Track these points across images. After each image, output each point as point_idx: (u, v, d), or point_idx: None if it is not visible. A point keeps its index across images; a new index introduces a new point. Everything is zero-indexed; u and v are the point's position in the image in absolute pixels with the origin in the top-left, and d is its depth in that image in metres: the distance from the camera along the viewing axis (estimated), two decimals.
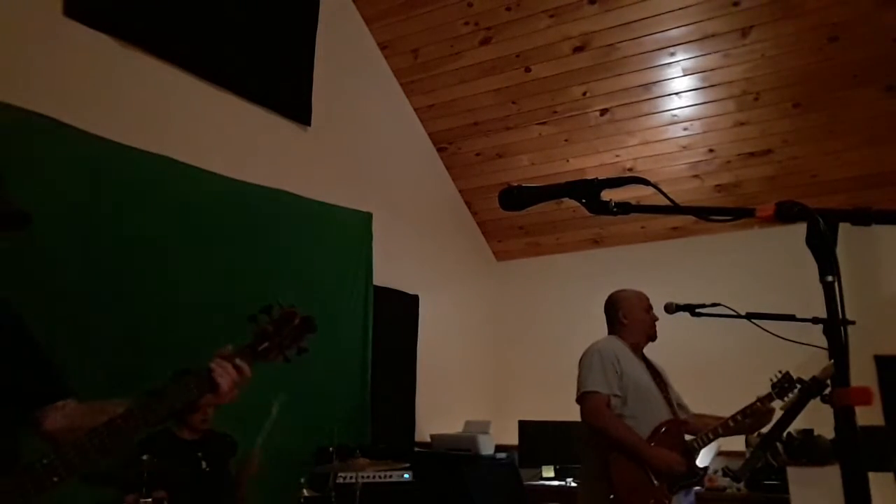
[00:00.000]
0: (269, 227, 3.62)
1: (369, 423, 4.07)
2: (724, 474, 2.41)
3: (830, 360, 0.84)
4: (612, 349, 2.69)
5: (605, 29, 4.11)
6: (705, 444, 2.59)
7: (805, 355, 1.71)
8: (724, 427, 2.55)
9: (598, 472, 2.55)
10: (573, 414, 2.69)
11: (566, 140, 4.77)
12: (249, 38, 3.66)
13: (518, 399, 5.19)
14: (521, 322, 5.42)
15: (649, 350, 2.85)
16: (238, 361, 1.34)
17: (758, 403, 2.51)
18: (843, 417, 0.80)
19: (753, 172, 4.54)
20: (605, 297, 2.92)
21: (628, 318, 2.78)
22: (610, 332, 2.85)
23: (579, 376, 2.68)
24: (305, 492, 2.97)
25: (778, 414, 1.99)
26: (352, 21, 4.44)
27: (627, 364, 2.67)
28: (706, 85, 4.21)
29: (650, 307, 2.82)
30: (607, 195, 1.03)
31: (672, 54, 4.12)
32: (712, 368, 4.35)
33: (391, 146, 4.74)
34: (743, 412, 2.53)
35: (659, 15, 3.96)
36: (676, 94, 4.30)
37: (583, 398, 2.64)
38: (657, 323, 2.81)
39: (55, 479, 1.16)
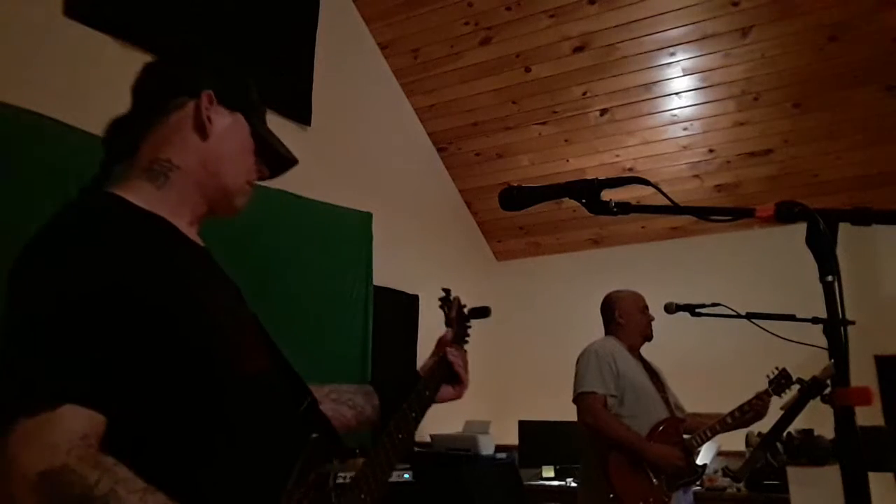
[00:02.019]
0: (269, 226, 3.62)
1: None
2: (724, 474, 2.41)
3: (830, 360, 0.84)
4: (608, 349, 2.70)
5: (605, 29, 4.11)
6: (703, 442, 2.61)
7: (805, 355, 1.72)
8: (722, 424, 2.57)
9: (598, 471, 2.56)
10: (573, 414, 2.69)
11: (566, 140, 4.76)
12: (249, 37, 3.66)
13: (518, 399, 5.19)
14: (521, 322, 5.42)
15: (649, 350, 2.85)
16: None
17: (755, 400, 2.52)
18: (843, 417, 0.80)
19: (753, 172, 4.54)
20: None
21: (624, 318, 2.79)
22: (607, 333, 2.86)
23: (576, 377, 2.70)
24: None
25: (777, 414, 2.00)
26: (352, 21, 4.44)
27: (624, 364, 2.67)
28: (706, 85, 4.21)
29: (646, 307, 2.83)
30: (607, 195, 1.03)
31: (672, 54, 4.12)
32: (712, 368, 4.35)
33: (391, 146, 4.73)
34: (740, 408, 2.54)
35: (659, 15, 3.96)
36: (676, 94, 4.30)
37: (579, 399, 2.65)
38: (654, 323, 2.82)
39: (362, 496, 1.07)
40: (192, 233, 1.03)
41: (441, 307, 1.50)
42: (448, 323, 1.48)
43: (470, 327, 1.52)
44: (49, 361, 0.78)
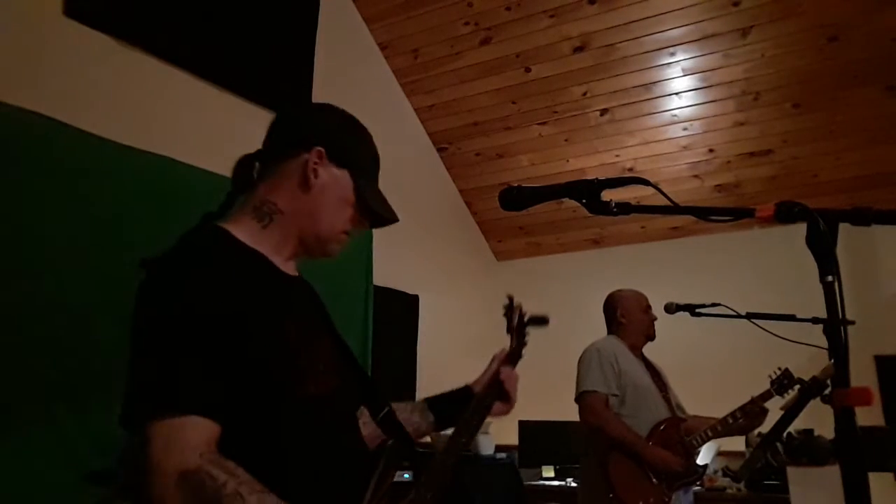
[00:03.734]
0: None
1: None
2: (724, 474, 2.41)
3: (830, 360, 0.84)
4: (610, 349, 2.71)
5: (605, 29, 4.11)
6: (702, 443, 2.61)
7: (805, 355, 1.72)
8: (723, 424, 2.57)
9: (598, 471, 2.56)
10: (573, 414, 2.69)
11: (566, 140, 4.76)
12: (249, 37, 3.66)
13: (518, 399, 5.18)
14: None
15: (649, 350, 2.85)
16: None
17: (757, 402, 2.51)
18: (843, 417, 0.80)
19: (753, 172, 4.54)
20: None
21: (627, 317, 2.80)
22: (609, 332, 2.86)
23: (578, 376, 2.70)
24: None
25: (777, 414, 2.00)
26: (352, 21, 4.44)
27: (626, 363, 2.68)
28: (706, 85, 4.21)
29: (649, 307, 2.83)
30: (607, 195, 1.03)
31: (672, 54, 4.12)
32: (712, 368, 4.35)
33: (391, 146, 4.72)
34: (742, 408, 2.54)
35: (659, 15, 3.96)
36: (676, 94, 4.30)
37: (581, 397, 2.65)
38: (656, 323, 2.82)
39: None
40: (288, 267, 1.16)
41: (504, 315, 1.50)
42: (508, 330, 1.48)
43: (527, 340, 1.51)
44: (179, 375, 0.91)
